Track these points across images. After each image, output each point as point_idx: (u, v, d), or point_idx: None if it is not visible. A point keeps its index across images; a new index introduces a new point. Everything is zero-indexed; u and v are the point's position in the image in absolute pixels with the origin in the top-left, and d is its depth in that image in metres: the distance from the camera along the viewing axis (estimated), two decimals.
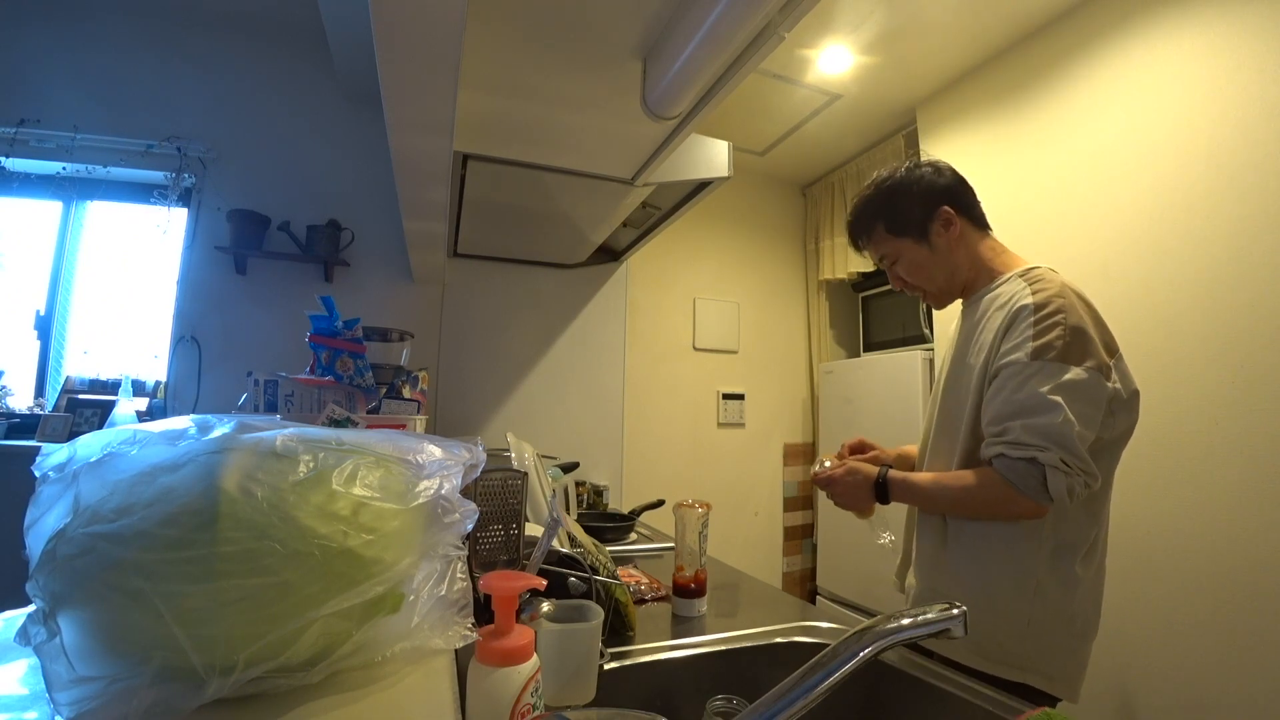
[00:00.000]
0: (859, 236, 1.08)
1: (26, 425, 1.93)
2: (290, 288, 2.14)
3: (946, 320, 2.20)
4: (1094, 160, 1.77)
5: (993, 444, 0.86)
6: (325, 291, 2.06)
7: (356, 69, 2.04)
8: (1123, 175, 1.69)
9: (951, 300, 1.07)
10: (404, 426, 1.24)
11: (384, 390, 1.38)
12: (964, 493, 0.90)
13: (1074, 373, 0.83)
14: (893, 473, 0.97)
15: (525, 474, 0.91)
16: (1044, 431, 0.81)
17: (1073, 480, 0.82)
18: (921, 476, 0.97)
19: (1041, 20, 1.92)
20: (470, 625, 0.56)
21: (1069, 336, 0.85)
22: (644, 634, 0.83)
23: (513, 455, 1.15)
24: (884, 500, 0.97)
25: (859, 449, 1.15)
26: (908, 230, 1.02)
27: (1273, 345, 1.36)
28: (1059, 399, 0.82)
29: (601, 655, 0.68)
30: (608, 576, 0.82)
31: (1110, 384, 0.86)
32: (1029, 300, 0.89)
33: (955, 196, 1.01)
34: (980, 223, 1.04)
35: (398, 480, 0.53)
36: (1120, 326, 1.63)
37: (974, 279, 1.03)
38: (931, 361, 2.30)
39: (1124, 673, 1.55)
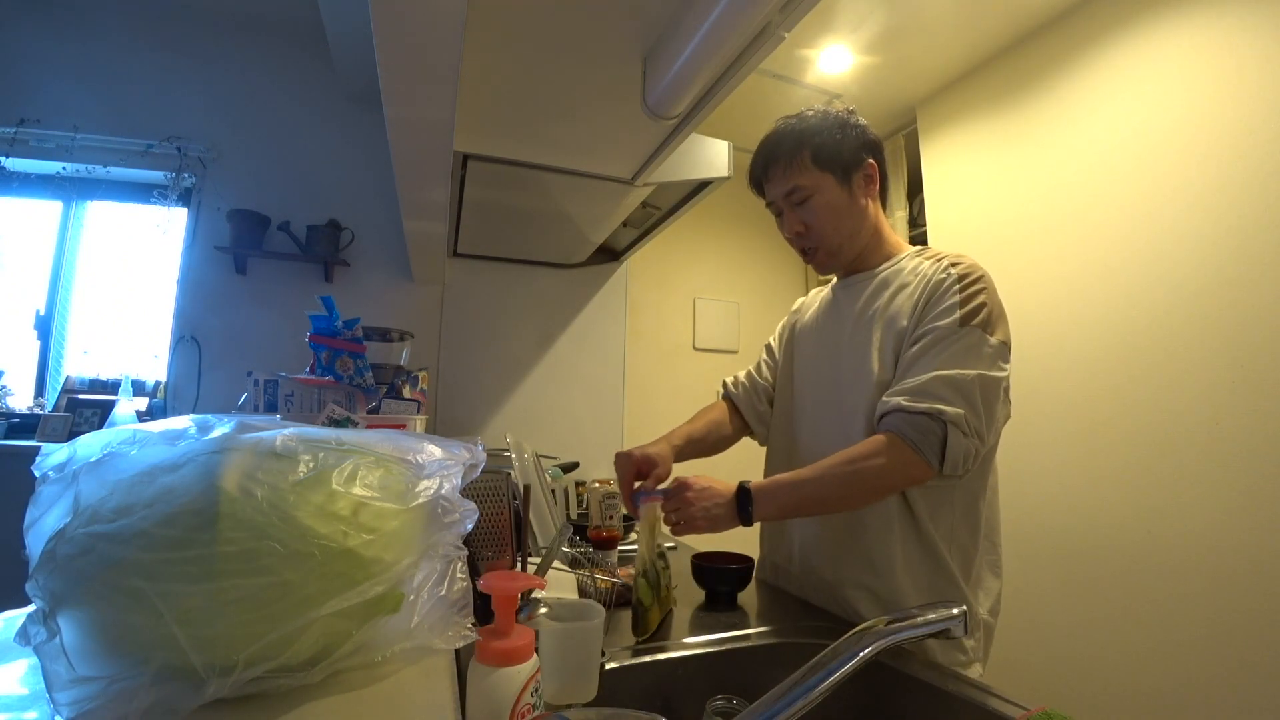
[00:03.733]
0: (779, 159, 0.94)
1: (26, 425, 1.93)
2: (290, 288, 2.14)
3: None
4: (1094, 159, 1.77)
5: (892, 394, 0.80)
6: (325, 291, 2.06)
7: (356, 69, 2.04)
8: (1123, 174, 1.69)
9: (837, 267, 0.99)
10: (404, 426, 1.24)
11: (384, 390, 1.38)
12: (849, 475, 0.79)
13: (993, 343, 0.83)
14: (755, 484, 0.82)
15: (517, 478, 0.91)
16: (956, 383, 0.78)
17: (969, 444, 0.78)
18: (786, 476, 0.83)
19: (1041, 20, 1.92)
20: (470, 625, 0.56)
21: (992, 306, 0.85)
22: None
23: (513, 455, 1.15)
24: (747, 523, 0.81)
25: (642, 473, 0.97)
26: (833, 167, 0.92)
27: (1273, 344, 1.35)
28: (978, 361, 0.80)
29: (603, 655, 0.68)
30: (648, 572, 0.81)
31: (1009, 365, 0.85)
32: (951, 270, 0.87)
33: (880, 157, 0.96)
34: (884, 199, 0.99)
35: (398, 480, 0.53)
36: (1120, 325, 1.65)
37: (866, 252, 0.97)
38: None
39: (1123, 674, 1.55)
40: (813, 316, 1.09)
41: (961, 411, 0.77)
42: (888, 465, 0.78)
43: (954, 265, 0.88)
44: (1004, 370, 0.82)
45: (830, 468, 0.81)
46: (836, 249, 0.96)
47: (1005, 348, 0.84)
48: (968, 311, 0.83)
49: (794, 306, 1.19)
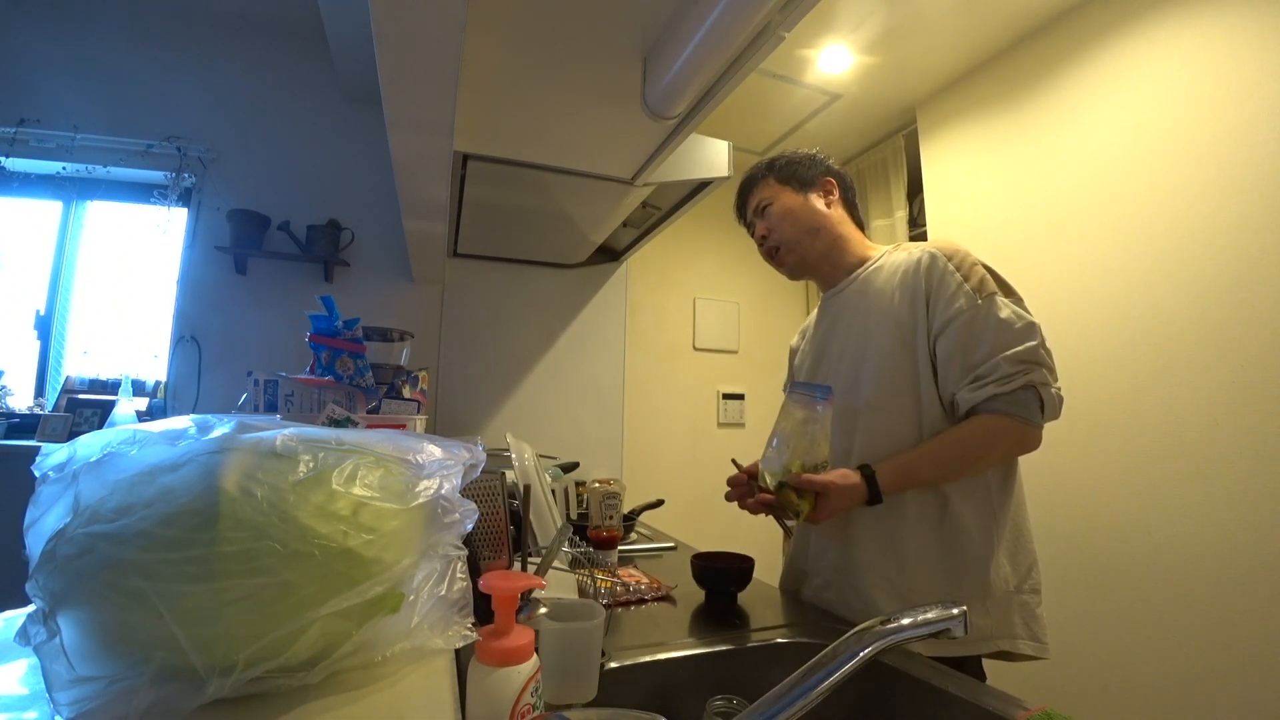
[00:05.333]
0: (751, 183, 1.11)
1: (26, 425, 1.93)
2: (290, 288, 2.14)
3: None
4: (1094, 160, 1.77)
5: (979, 388, 0.87)
6: (325, 291, 2.06)
7: (356, 69, 2.04)
8: (1123, 175, 1.69)
9: (803, 267, 1.08)
10: (404, 426, 1.24)
11: (384, 390, 1.38)
12: (966, 451, 0.88)
13: (1014, 301, 0.90)
14: (880, 465, 0.88)
15: (517, 478, 0.91)
16: (1023, 357, 0.85)
17: (1056, 392, 0.88)
18: (905, 456, 0.89)
19: (1041, 20, 1.92)
20: (470, 625, 0.56)
21: (989, 270, 0.92)
22: (644, 634, 0.83)
23: (513, 455, 1.15)
24: (876, 500, 0.87)
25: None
26: (792, 181, 1.06)
27: (1273, 345, 1.36)
28: (1025, 324, 0.87)
29: (603, 655, 0.68)
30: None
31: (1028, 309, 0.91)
32: (931, 250, 0.94)
33: (841, 180, 1.08)
34: (857, 219, 1.09)
35: (398, 480, 0.53)
36: (1119, 326, 1.65)
37: (835, 255, 1.06)
38: None
39: (1124, 674, 1.55)
40: (809, 331, 1.17)
41: (1043, 371, 0.86)
42: (998, 441, 0.88)
43: (934, 247, 0.95)
44: (1031, 316, 0.89)
45: (944, 452, 0.88)
46: (794, 243, 1.05)
47: (1019, 298, 0.91)
48: (975, 285, 0.90)
49: (800, 328, 1.27)
